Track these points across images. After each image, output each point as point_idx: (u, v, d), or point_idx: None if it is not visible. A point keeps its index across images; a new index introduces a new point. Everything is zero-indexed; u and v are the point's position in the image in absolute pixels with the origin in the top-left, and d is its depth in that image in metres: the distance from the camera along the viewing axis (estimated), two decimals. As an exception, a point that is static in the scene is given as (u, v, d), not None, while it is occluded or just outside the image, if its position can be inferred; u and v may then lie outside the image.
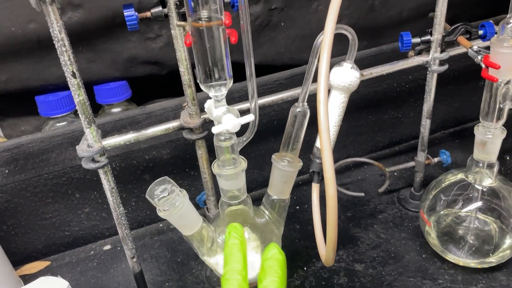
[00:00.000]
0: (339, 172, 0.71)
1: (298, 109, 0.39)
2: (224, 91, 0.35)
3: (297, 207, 0.65)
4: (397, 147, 0.75)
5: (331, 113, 0.41)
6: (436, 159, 0.60)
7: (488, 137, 0.46)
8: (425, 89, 0.54)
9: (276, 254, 0.35)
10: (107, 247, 0.62)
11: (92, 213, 0.61)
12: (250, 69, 0.36)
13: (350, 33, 0.38)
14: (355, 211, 0.63)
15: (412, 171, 0.62)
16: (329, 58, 0.31)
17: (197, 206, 0.65)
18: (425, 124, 0.56)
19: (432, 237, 0.53)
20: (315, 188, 0.43)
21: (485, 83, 0.45)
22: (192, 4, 0.30)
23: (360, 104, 0.68)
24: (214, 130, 0.34)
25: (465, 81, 0.73)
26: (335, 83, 0.39)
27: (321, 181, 0.68)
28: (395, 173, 0.68)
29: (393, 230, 0.59)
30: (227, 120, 0.34)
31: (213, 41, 0.31)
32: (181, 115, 0.45)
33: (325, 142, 0.28)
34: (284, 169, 0.40)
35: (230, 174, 0.37)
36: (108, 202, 0.45)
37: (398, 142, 0.75)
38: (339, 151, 0.71)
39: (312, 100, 0.55)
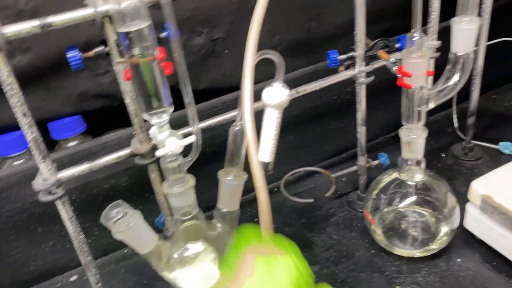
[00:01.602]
0: (292, 182, 0.75)
1: (236, 128, 0.44)
2: (165, 117, 0.38)
3: (255, 219, 0.69)
4: (344, 154, 0.80)
5: (268, 129, 0.45)
6: (375, 162, 0.66)
7: (412, 138, 0.52)
8: (356, 99, 0.60)
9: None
10: (74, 277, 0.64)
11: (56, 245, 0.63)
12: (188, 96, 0.39)
13: (276, 56, 0.43)
14: (309, 217, 0.67)
15: (358, 175, 0.67)
16: (252, 83, 0.35)
17: (158, 229, 0.68)
18: (361, 131, 0.62)
19: (378, 234, 0.58)
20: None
21: (402, 90, 0.50)
22: (127, 43, 0.34)
23: (306, 117, 0.74)
24: (158, 153, 0.37)
25: (398, 89, 0.79)
26: (268, 102, 0.44)
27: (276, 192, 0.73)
28: (344, 178, 0.73)
29: (344, 231, 0.64)
30: (170, 143, 0.37)
31: (149, 74, 0.35)
32: (132, 142, 0.48)
33: (253, 153, 0.32)
34: (230, 183, 0.44)
35: (180, 192, 0.41)
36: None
37: (344, 149, 0.80)
38: (291, 162, 0.76)
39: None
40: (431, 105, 0.51)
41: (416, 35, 0.47)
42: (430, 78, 0.61)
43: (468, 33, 0.49)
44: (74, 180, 0.53)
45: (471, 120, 0.71)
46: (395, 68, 0.51)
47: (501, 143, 0.73)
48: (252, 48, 0.34)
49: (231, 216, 0.45)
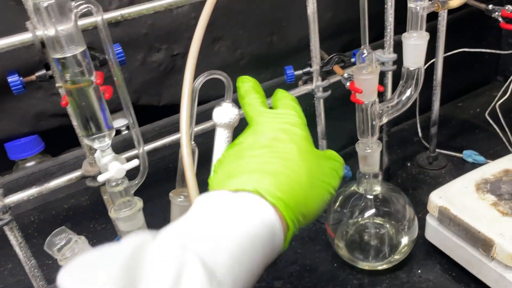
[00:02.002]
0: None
1: (186, 148, 0.43)
2: (107, 141, 0.38)
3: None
4: (312, 166, 0.80)
5: (218, 149, 0.45)
6: (339, 174, 0.66)
7: (367, 152, 0.52)
8: (316, 113, 0.60)
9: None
10: (35, 300, 0.62)
11: (15, 268, 0.61)
12: (131, 119, 0.39)
13: (224, 77, 0.43)
14: (274, 231, 0.67)
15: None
16: (189, 107, 0.35)
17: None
18: (322, 145, 0.62)
19: (341, 247, 0.58)
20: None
21: (356, 105, 0.51)
22: (60, 68, 0.33)
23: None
24: (100, 178, 0.37)
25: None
26: (218, 121, 0.44)
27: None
28: (311, 191, 0.73)
29: (308, 244, 0.64)
30: (112, 167, 0.37)
31: (86, 100, 0.35)
32: (83, 164, 0.48)
33: (190, 182, 0.32)
34: (181, 204, 0.43)
35: (128, 215, 0.40)
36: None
37: (312, 161, 0.80)
38: (258, 176, 0.76)
39: (200, 136, 0.60)
40: (385, 120, 0.51)
41: (365, 51, 0.47)
42: (389, 93, 0.62)
43: (418, 48, 0.49)
44: (32, 201, 0.52)
45: (433, 130, 0.72)
46: (348, 84, 0.51)
47: (464, 152, 0.74)
48: (190, 72, 0.34)
49: (184, 237, 0.45)
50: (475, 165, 0.73)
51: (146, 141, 0.64)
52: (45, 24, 0.33)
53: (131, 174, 0.44)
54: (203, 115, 0.67)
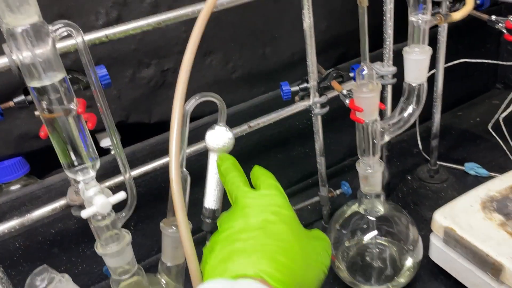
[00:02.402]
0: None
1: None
2: (91, 173, 0.35)
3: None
4: (310, 180, 0.78)
5: (212, 174, 0.42)
6: (338, 191, 0.64)
7: (368, 172, 0.50)
8: (314, 130, 0.57)
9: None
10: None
11: (-1, 298, 0.58)
12: (115, 146, 0.36)
13: (216, 99, 0.40)
14: (272, 251, 0.64)
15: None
16: (179, 136, 0.32)
17: (106, 277, 0.64)
18: (321, 162, 0.59)
19: (342, 270, 0.56)
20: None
21: (356, 124, 0.48)
22: (36, 95, 0.31)
23: (267, 145, 0.71)
24: (84, 214, 0.34)
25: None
26: (210, 145, 0.41)
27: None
28: (309, 207, 0.71)
29: (308, 266, 0.61)
30: (97, 201, 0.34)
31: (66, 130, 0.32)
32: (68, 192, 0.45)
33: (180, 217, 0.29)
34: (173, 236, 0.41)
35: (116, 251, 0.37)
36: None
37: (309, 175, 0.78)
38: (254, 192, 0.73)
39: (194, 159, 0.57)
40: (386, 138, 0.49)
41: (365, 68, 0.45)
42: (389, 107, 0.59)
43: (420, 64, 0.47)
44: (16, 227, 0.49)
45: (434, 143, 0.70)
46: (347, 101, 0.48)
47: (466, 164, 0.72)
48: (180, 96, 0.31)
49: (176, 270, 0.42)
50: (477, 178, 0.71)
51: (137, 160, 0.61)
52: (20, 49, 0.30)
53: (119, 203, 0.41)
54: (196, 133, 0.64)
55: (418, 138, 0.77)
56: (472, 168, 0.71)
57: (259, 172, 0.38)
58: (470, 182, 0.70)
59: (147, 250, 0.66)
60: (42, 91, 0.31)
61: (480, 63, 0.76)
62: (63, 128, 0.32)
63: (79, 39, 0.33)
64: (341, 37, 0.72)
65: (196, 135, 0.64)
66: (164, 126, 0.67)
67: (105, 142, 0.64)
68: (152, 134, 0.62)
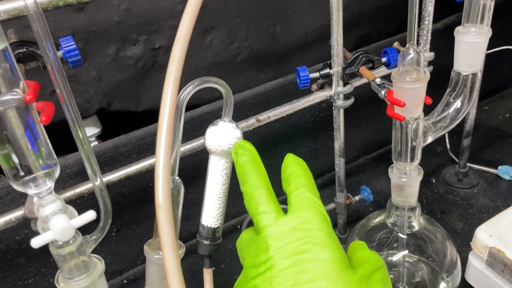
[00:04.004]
0: (259, 217, 0.63)
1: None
2: (49, 185, 0.25)
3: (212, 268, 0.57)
4: (320, 180, 0.69)
5: (212, 183, 0.33)
6: (357, 197, 0.54)
7: (403, 181, 0.41)
8: (333, 126, 0.48)
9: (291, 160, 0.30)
10: None
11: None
12: (82, 144, 0.26)
13: (221, 85, 0.31)
14: (278, 264, 0.55)
15: (336, 213, 0.55)
16: (171, 134, 0.23)
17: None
18: (339, 163, 0.50)
19: (361, 291, 0.47)
20: (207, 274, 0.34)
21: (393, 122, 0.39)
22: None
23: (273, 139, 0.62)
24: (34, 243, 0.24)
25: (382, 101, 0.68)
26: (212, 147, 0.32)
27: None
28: (319, 212, 0.62)
29: (320, 284, 0.52)
30: (55, 225, 0.24)
31: (6, 127, 0.22)
32: (26, 200, 0.35)
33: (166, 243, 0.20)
34: (159, 263, 0.31)
35: (84, 286, 0.28)
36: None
37: (320, 174, 0.69)
38: (257, 193, 0.64)
39: (187, 155, 0.48)
40: (429, 140, 0.39)
41: (411, 51, 0.35)
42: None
43: (477, 47, 0.37)
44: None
45: (466, 142, 0.61)
46: (383, 92, 0.39)
47: (500, 167, 0.63)
48: (174, 80, 0.22)
49: (164, 304, 0.32)
50: (512, 184, 0.62)
51: (121, 156, 0.52)
52: None
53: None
54: (191, 124, 0.55)
55: (446, 135, 0.68)
56: (507, 172, 0.62)
57: (291, 170, 0.30)
58: (504, 188, 0.62)
59: (132, 259, 0.57)
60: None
61: (509, 51, 0.66)
62: (2, 123, 0.22)
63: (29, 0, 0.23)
64: (364, 15, 0.62)
65: (192, 128, 0.54)
66: (153, 115, 0.56)
67: (87, 131, 0.54)
68: (139, 124, 0.52)
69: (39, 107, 0.24)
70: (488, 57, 0.64)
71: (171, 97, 0.24)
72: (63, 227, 0.24)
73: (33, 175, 0.24)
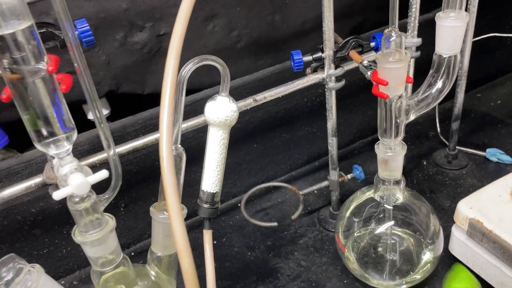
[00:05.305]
0: (258, 196, 0.67)
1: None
2: (67, 146, 0.29)
3: (214, 242, 0.61)
4: (316, 162, 0.72)
5: (212, 153, 0.36)
6: (349, 176, 0.58)
7: (389, 155, 0.44)
8: (326, 107, 0.51)
9: None
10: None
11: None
12: (98, 114, 0.30)
13: (219, 63, 0.34)
14: (275, 238, 0.59)
15: (330, 190, 0.59)
16: (172, 103, 0.26)
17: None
18: (332, 142, 0.54)
19: (351, 262, 0.51)
20: (206, 235, 0.38)
21: (378, 100, 0.42)
22: (-3, 51, 0.24)
23: (271, 123, 0.65)
24: (56, 195, 0.28)
25: (376, 89, 0.71)
26: (210, 118, 0.35)
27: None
28: (315, 191, 0.65)
29: (313, 256, 0.56)
30: (72, 181, 0.28)
31: (33, 94, 0.26)
32: (45, 168, 0.39)
33: (173, 209, 0.23)
34: (164, 222, 0.35)
35: (97, 238, 0.32)
36: None
37: (317, 157, 0.72)
38: (256, 174, 0.68)
39: (191, 137, 0.50)
40: (412, 117, 0.43)
41: (393, 34, 0.38)
42: (409, 84, 0.53)
43: (455, 31, 0.40)
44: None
45: (455, 126, 0.64)
46: (369, 73, 0.42)
47: (488, 150, 0.66)
48: (174, 57, 0.25)
49: (168, 260, 0.36)
50: (499, 165, 0.65)
51: (128, 135, 0.55)
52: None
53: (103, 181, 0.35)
54: (194, 107, 0.58)
55: (437, 119, 0.71)
56: (494, 154, 0.65)
57: None
58: (491, 170, 0.65)
59: (139, 234, 0.61)
60: (3, 46, 0.24)
61: (503, 40, 0.69)
62: (30, 91, 0.26)
63: (51, -19, 0.26)
64: (358, 4, 0.65)
65: (194, 110, 0.57)
66: (159, 98, 0.60)
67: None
68: (145, 107, 0.56)
69: (59, 78, 0.28)
70: (481, 46, 0.68)
71: (172, 70, 0.28)
72: (81, 182, 0.28)
73: (55, 137, 0.28)
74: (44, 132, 0.27)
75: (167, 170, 0.23)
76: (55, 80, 0.27)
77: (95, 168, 0.41)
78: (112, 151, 0.31)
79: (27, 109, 0.26)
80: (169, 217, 0.24)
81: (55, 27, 0.33)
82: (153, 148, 0.55)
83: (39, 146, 0.28)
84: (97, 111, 0.29)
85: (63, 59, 0.33)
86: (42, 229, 0.54)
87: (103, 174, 0.29)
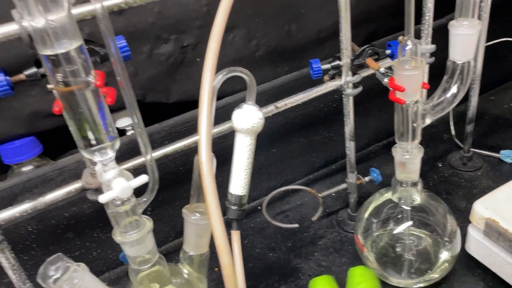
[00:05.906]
0: (277, 199, 0.69)
1: (202, 158, 0.37)
2: (111, 154, 0.32)
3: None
4: (333, 166, 0.74)
5: (239, 158, 0.39)
6: (367, 178, 0.60)
7: (406, 158, 0.46)
8: (344, 112, 0.53)
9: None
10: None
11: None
12: (138, 123, 0.33)
13: (246, 74, 0.37)
14: (295, 240, 0.61)
15: (348, 193, 0.61)
16: (210, 111, 0.29)
17: (122, 263, 0.61)
18: (350, 146, 0.56)
19: (371, 261, 0.52)
20: (235, 236, 0.40)
21: (395, 105, 0.44)
22: (50, 66, 0.27)
23: (289, 128, 0.67)
24: (102, 199, 0.31)
25: (391, 93, 0.73)
26: (239, 126, 0.38)
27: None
28: (333, 194, 0.67)
29: (333, 256, 0.58)
30: (116, 185, 0.31)
31: (83, 105, 0.28)
32: (83, 174, 0.42)
33: (211, 204, 0.26)
34: (196, 223, 0.37)
35: (136, 239, 0.34)
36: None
37: (334, 160, 0.74)
38: (275, 178, 0.70)
39: (214, 142, 0.53)
40: (428, 121, 0.45)
41: (409, 42, 0.40)
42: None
43: (468, 39, 0.42)
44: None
45: (469, 128, 0.65)
46: (386, 80, 0.44)
47: (502, 152, 0.68)
48: (210, 67, 0.28)
49: (200, 259, 0.39)
50: (514, 167, 0.66)
51: (154, 142, 0.58)
52: (31, 13, 0.26)
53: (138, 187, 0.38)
54: (217, 114, 0.61)
55: (451, 122, 0.72)
56: (508, 155, 0.67)
57: None
58: (506, 171, 0.66)
59: (164, 236, 0.64)
60: (57, 62, 0.27)
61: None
62: (80, 103, 0.28)
63: (98, 5, 0.29)
64: (372, 13, 0.67)
65: (216, 117, 0.60)
66: (182, 106, 0.63)
67: (121, 123, 0.61)
68: (170, 115, 0.59)
69: (104, 91, 0.30)
70: (493, 50, 0.69)
71: (209, 80, 0.30)
72: (124, 186, 0.31)
73: (101, 145, 0.30)
74: (92, 140, 0.30)
75: (206, 173, 0.26)
76: (101, 93, 0.30)
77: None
78: (149, 156, 0.34)
79: (76, 120, 0.29)
80: (209, 216, 0.26)
81: (95, 44, 0.36)
82: (178, 154, 0.58)
83: (85, 154, 0.31)
84: (137, 120, 0.32)
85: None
86: (74, 232, 0.57)
87: (143, 179, 0.32)
